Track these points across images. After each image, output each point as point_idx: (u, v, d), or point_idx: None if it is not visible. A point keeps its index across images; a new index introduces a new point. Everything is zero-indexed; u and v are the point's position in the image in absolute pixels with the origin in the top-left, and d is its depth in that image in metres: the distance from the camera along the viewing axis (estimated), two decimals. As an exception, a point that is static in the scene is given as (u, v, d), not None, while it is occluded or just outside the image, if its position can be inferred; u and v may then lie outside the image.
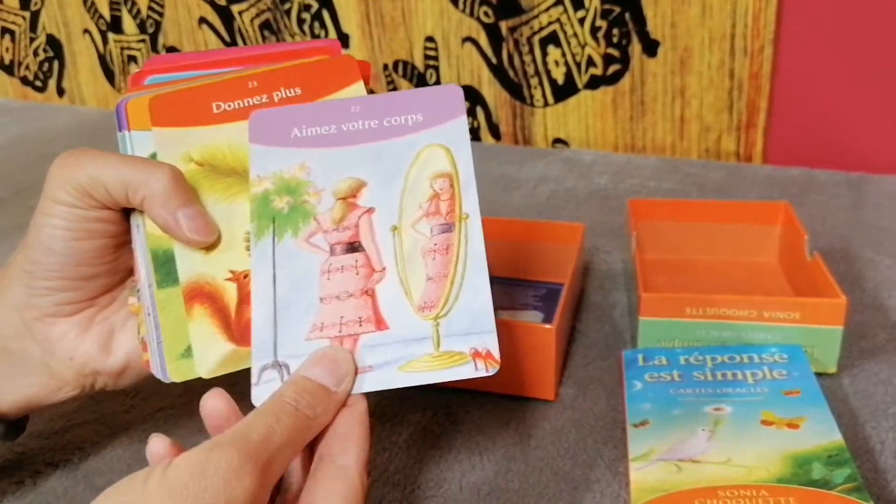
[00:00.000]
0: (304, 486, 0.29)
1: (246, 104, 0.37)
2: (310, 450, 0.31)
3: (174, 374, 0.34)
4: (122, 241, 0.36)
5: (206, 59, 0.40)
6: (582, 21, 0.79)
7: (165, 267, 0.35)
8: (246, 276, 0.34)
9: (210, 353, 0.34)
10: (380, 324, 0.33)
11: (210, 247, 0.35)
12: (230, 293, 0.34)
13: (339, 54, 0.40)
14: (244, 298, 0.34)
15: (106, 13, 1.03)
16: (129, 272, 0.38)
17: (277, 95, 0.38)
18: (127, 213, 0.36)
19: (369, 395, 0.33)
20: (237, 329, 0.34)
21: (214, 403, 0.31)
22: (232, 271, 0.35)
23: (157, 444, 0.30)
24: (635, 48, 0.78)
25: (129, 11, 1.01)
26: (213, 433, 0.32)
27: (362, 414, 0.31)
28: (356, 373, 0.32)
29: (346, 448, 0.30)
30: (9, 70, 1.15)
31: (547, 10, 0.80)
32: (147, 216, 0.35)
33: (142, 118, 0.37)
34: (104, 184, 0.34)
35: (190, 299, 0.34)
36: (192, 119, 0.37)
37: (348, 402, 0.31)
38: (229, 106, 0.37)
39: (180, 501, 0.25)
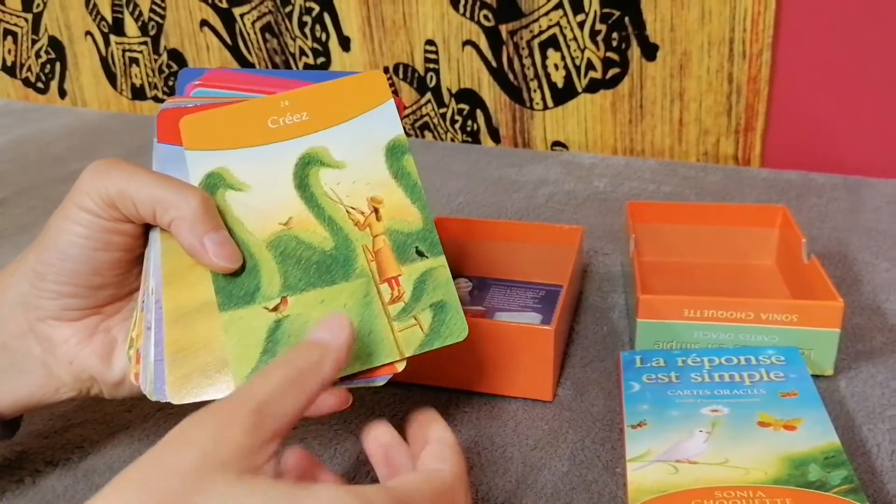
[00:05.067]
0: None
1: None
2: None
3: None
4: (138, 255, 0.36)
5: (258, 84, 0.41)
6: (581, 25, 0.79)
7: (227, 290, 0.35)
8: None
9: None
10: None
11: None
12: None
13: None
14: None
15: (108, 15, 1.03)
16: (139, 286, 0.37)
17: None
18: (146, 226, 0.36)
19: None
20: None
21: (378, 435, 0.33)
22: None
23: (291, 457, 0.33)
24: (634, 52, 0.78)
25: (131, 14, 1.01)
26: (379, 466, 0.34)
27: (451, 440, 0.32)
28: (352, 327, 0.32)
29: (441, 459, 0.31)
30: (11, 72, 1.15)
31: (547, 13, 0.80)
32: (174, 238, 0.35)
33: (199, 138, 0.37)
34: (133, 199, 0.34)
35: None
36: None
37: (437, 436, 0.32)
38: None
39: (168, 449, 0.27)
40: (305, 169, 0.37)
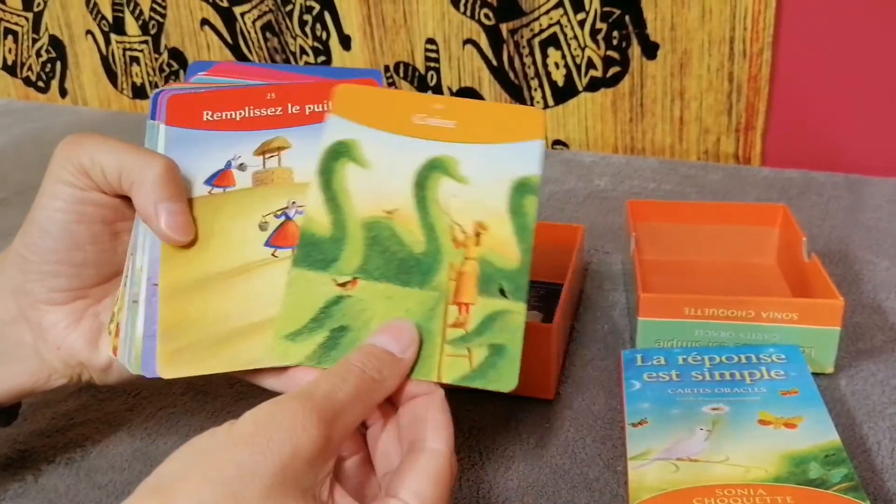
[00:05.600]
0: (396, 470, 0.30)
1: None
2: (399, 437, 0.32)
3: (284, 355, 0.34)
4: (117, 231, 0.37)
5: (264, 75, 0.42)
6: (582, 23, 0.79)
7: (307, 249, 0.35)
8: None
9: None
10: None
11: None
12: None
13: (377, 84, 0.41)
14: None
15: (108, 14, 1.03)
16: (123, 267, 0.38)
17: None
18: (124, 200, 0.36)
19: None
20: None
21: None
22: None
23: None
24: (635, 50, 0.78)
25: (132, 13, 1.01)
26: None
27: (442, 400, 0.32)
28: (420, 342, 0.33)
29: (436, 433, 0.31)
30: (11, 71, 1.15)
31: (547, 12, 0.80)
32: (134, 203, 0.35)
33: (346, 106, 0.38)
34: (102, 166, 0.34)
35: None
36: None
37: (426, 389, 0.32)
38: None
39: (246, 450, 0.26)
40: (429, 171, 0.37)
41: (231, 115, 0.39)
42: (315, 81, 0.41)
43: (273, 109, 0.39)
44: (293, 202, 0.37)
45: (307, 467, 0.27)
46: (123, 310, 0.35)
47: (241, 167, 0.38)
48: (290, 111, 0.39)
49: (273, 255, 0.36)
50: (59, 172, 0.35)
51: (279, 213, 0.37)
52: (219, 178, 0.38)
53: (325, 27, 0.91)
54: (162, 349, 0.34)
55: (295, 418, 0.27)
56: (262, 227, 0.37)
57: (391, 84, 0.91)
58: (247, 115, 0.39)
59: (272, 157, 0.38)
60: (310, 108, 0.39)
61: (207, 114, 0.39)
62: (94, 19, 1.04)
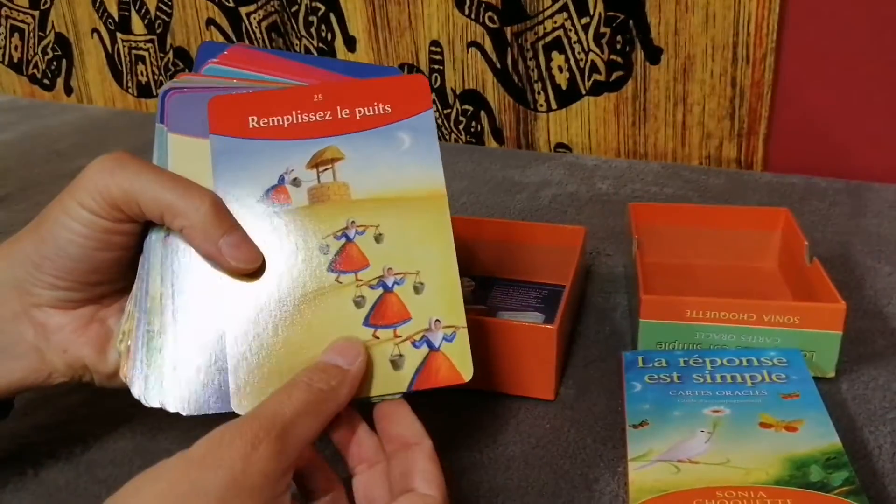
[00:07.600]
0: None
1: None
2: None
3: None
4: (138, 252, 0.36)
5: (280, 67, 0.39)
6: (586, 27, 0.79)
7: None
8: None
9: None
10: None
11: None
12: None
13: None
14: None
15: (114, 13, 1.03)
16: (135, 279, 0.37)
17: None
18: (148, 223, 0.35)
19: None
20: None
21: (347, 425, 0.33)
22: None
23: None
24: (638, 55, 0.79)
25: (138, 11, 1.02)
26: (350, 457, 0.34)
27: (430, 449, 0.32)
28: (366, 353, 0.33)
29: (428, 481, 0.31)
30: (17, 68, 1.15)
31: (551, 16, 0.80)
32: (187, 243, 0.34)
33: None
34: (138, 202, 0.33)
35: None
36: None
37: (414, 440, 0.32)
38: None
39: (198, 468, 0.27)
40: None
41: (278, 121, 0.36)
42: (361, 81, 0.38)
43: (322, 114, 0.37)
44: (352, 221, 0.35)
45: (263, 479, 0.27)
46: (134, 331, 0.35)
47: (296, 182, 0.35)
48: (339, 115, 0.37)
49: (337, 280, 0.35)
50: (85, 199, 0.33)
51: (339, 233, 0.35)
52: (273, 195, 0.35)
53: (330, 28, 0.91)
54: (234, 382, 0.33)
55: (244, 437, 0.28)
56: (323, 250, 0.35)
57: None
58: (295, 120, 0.36)
59: (326, 169, 0.36)
60: (360, 111, 0.37)
61: (253, 120, 0.36)
62: (100, 18, 1.05)
